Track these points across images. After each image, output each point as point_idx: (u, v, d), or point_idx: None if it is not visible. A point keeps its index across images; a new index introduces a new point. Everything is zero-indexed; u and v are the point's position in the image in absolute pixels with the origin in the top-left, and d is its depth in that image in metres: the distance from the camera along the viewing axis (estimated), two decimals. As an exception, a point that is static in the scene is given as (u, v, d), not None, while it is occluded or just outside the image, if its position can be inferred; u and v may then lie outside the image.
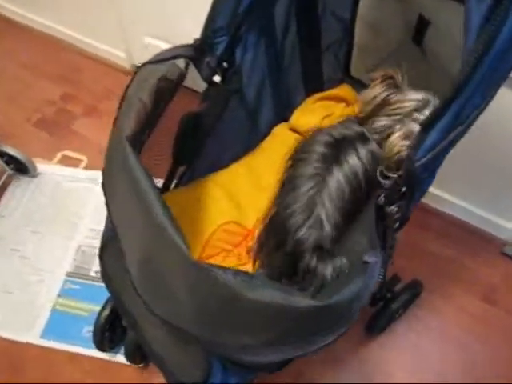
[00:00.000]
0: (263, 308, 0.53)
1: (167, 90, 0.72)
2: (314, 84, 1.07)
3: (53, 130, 1.58)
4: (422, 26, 0.81)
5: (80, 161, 1.49)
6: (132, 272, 0.65)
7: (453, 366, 1.16)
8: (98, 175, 1.42)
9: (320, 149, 0.76)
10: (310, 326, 0.56)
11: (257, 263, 0.83)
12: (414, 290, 1.15)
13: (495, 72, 0.56)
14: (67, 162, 1.49)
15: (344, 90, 1.04)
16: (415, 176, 0.61)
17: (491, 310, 1.24)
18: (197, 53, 0.78)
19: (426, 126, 0.58)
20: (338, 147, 0.76)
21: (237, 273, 0.54)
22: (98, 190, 1.38)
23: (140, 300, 0.64)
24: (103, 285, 1.26)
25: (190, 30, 1.38)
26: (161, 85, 0.70)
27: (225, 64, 0.83)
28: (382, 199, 0.66)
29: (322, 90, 1.07)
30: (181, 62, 0.77)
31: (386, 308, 1.10)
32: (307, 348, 0.57)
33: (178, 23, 1.46)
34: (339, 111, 1.03)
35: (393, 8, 0.86)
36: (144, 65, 0.73)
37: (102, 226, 1.30)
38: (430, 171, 0.64)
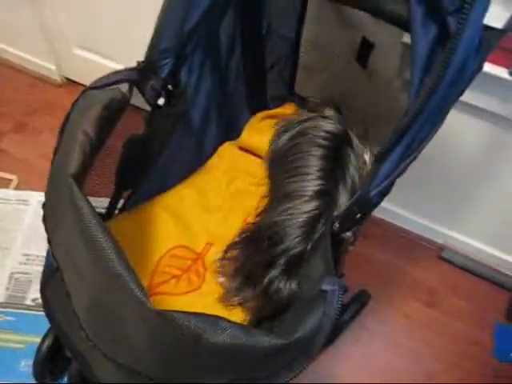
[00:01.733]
0: (225, 350, 0.52)
1: (111, 117, 0.69)
2: (258, 103, 1.07)
3: (-22, 149, 1.48)
4: (365, 49, 0.83)
5: (9, 180, 1.40)
6: (80, 315, 0.61)
7: (403, 373, 1.19)
8: (30, 196, 1.36)
9: (318, 162, 0.77)
10: (272, 363, 0.55)
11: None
12: (362, 300, 1.17)
13: (445, 102, 0.58)
14: (-5, 182, 1.40)
15: (288, 108, 1.05)
16: (370, 203, 0.62)
17: (432, 313, 1.30)
18: (141, 76, 0.75)
19: (380, 157, 0.59)
20: (336, 158, 0.79)
21: (197, 315, 0.52)
22: (31, 211, 1.32)
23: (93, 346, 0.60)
24: (41, 313, 1.18)
25: (121, 42, 1.36)
26: (105, 113, 0.66)
27: (170, 86, 0.81)
28: (336, 226, 0.67)
29: (266, 108, 1.07)
30: (124, 86, 0.73)
31: (336, 320, 1.11)
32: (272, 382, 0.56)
33: (108, 36, 1.42)
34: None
35: (337, 30, 0.87)
36: (85, 90, 0.69)
37: (35, 251, 1.25)
38: (382, 197, 0.66)
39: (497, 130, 1.04)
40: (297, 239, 0.75)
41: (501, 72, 0.88)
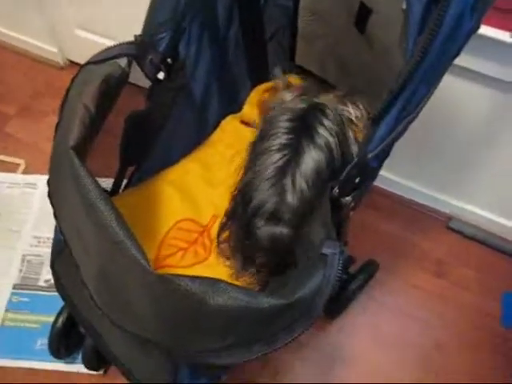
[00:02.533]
0: (227, 312, 0.53)
1: (111, 92, 0.69)
2: (260, 75, 1.07)
3: (-16, 134, 1.49)
4: (363, 14, 0.82)
5: (17, 165, 1.41)
6: (89, 285, 0.63)
7: (412, 343, 1.20)
8: (37, 179, 1.37)
9: (285, 123, 0.77)
10: (273, 324, 0.56)
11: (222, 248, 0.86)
12: (370, 270, 1.18)
13: (439, 62, 0.58)
14: (3, 167, 1.41)
15: (290, 80, 1.04)
16: (368, 167, 0.63)
17: (442, 283, 1.30)
18: (139, 50, 0.75)
19: (375, 119, 0.59)
20: (303, 120, 0.78)
21: (199, 279, 0.53)
22: (39, 194, 1.34)
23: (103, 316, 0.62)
24: (54, 294, 1.21)
25: (122, 22, 1.35)
26: (104, 87, 0.67)
27: (169, 60, 0.80)
28: (336, 191, 0.67)
29: (267, 80, 1.07)
30: (123, 61, 0.74)
31: (343, 290, 1.12)
32: (273, 346, 0.57)
33: (109, 15, 1.41)
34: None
35: (334, -3, 0.86)
36: (85, 65, 0.70)
37: (45, 233, 1.27)
38: (380, 160, 0.66)
39: (499, 95, 1.02)
40: (267, 192, 0.75)
41: (502, 35, 0.87)
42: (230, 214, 0.86)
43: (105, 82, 0.68)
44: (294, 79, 1.01)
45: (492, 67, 0.94)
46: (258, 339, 0.56)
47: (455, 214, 1.39)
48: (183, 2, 0.76)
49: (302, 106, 0.82)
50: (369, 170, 0.64)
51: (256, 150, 0.81)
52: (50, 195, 0.68)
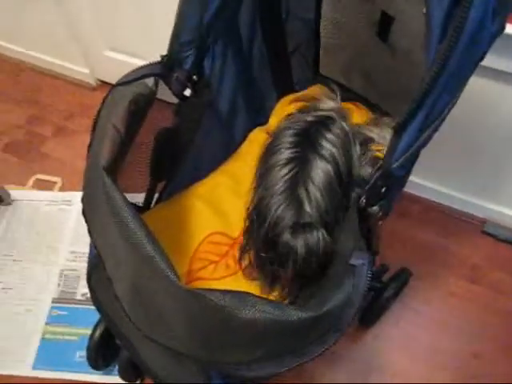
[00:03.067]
0: (255, 325, 0.54)
1: (139, 111, 0.72)
2: (285, 87, 1.08)
3: (23, 154, 1.55)
4: (385, 22, 0.82)
5: (54, 183, 1.47)
6: (122, 300, 0.64)
7: (450, 352, 1.17)
8: (73, 196, 1.42)
9: (289, 138, 0.78)
10: (303, 337, 0.57)
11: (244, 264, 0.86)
12: (403, 278, 1.17)
13: (462, 68, 0.57)
14: (41, 185, 1.46)
15: (316, 89, 1.05)
16: (393, 176, 0.62)
17: (477, 289, 1.27)
18: (165, 69, 0.77)
19: (399, 128, 0.59)
20: (307, 134, 0.78)
21: (227, 293, 0.54)
22: (75, 211, 1.39)
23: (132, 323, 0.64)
24: (91, 307, 1.25)
25: (150, 41, 1.39)
26: (132, 107, 0.69)
27: (194, 77, 0.83)
28: (363, 201, 0.67)
29: (293, 91, 1.08)
30: (150, 80, 0.76)
31: (377, 299, 1.11)
32: (303, 358, 0.58)
33: (137, 35, 1.46)
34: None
35: (356, 6, 0.87)
36: (114, 86, 0.72)
37: (82, 248, 1.31)
38: (406, 169, 0.65)
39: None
40: (281, 207, 0.75)
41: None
42: (248, 234, 0.86)
43: (133, 103, 0.70)
44: (320, 88, 1.02)
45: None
46: (289, 352, 0.57)
47: (490, 218, 1.35)
48: (206, 20, 0.78)
49: (308, 119, 0.82)
50: (394, 179, 0.63)
51: (264, 166, 0.81)
52: (84, 212, 0.71)
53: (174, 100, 0.85)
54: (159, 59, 0.78)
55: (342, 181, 0.78)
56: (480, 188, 1.32)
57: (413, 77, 0.80)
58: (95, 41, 1.56)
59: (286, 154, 0.78)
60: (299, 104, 1.02)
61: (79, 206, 1.38)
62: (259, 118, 1.07)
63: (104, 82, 1.72)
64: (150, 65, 0.76)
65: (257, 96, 1.05)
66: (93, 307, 1.27)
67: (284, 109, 1.06)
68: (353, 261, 0.61)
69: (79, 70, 1.70)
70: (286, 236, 0.73)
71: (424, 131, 0.60)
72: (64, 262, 1.31)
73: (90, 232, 0.69)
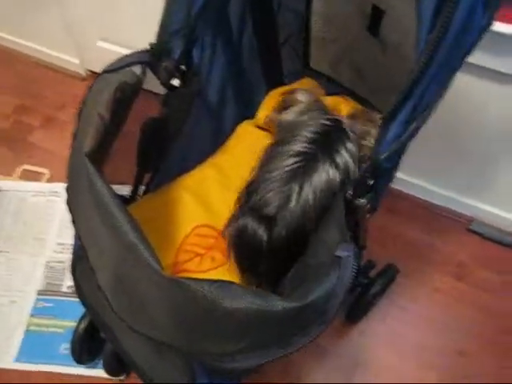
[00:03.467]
0: (240, 315, 0.53)
1: (125, 99, 0.71)
2: (275, 79, 1.07)
3: (10, 144, 1.53)
4: (376, 16, 0.82)
5: (42, 174, 1.45)
6: (105, 290, 0.63)
7: (435, 349, 1.17)
8: (61, 188, 1.39)
9: (307, 134, 0.78)
10: (287, 327, 0.56)
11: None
12: (390, 275, 1.17)
13: (450, 59, 0.57)
14: (29, 176, 1.45)
15: (305, 83, 1.04)
16: (381, 168, 0.62)
17: (463, 287, 1.28)
18: (153, 58, 0.76)
19: (387, 119, 0.59)
20: (327, 136, 0.79)
21: (212, 282, 0.53)
22: (63, 202, 1.37)
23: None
24: (77, 300, 1.24)
25: (143, 32, 1.38)
26: (118, 95, 0.68)
27: (183, 66, 0.82)
28: (349, 193, 0.67)
29: (282, 84, 1.07)
30: (137, 68, 0.75)
31: (364, 294, 1.11)
32: (288, 349, 0.57)
33: (130, 26, 1.44)
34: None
35: (346, 0, 0.86)
36: (100, 74, 0.71)
37: (69, 240, 1.30)
38: (394, 162, 0.65)
39: None
40: (272, 193, 0.75)
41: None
42: (233, 217, 0.85)
43: (119, 90, 0.69)
44: (308, 81, 1.01)
45: (506, 63, 0.93)
46: (273, 342, 0.56)
47: (476, 216, 1.36)
48: (195, 9, 0.77)
49: (326, 122, 0.82)
50: (382, 171, 0.63)
51: (270, 154, 0.81)
52: (68, 202, 0.70)
53: (160, 90, 0.84)
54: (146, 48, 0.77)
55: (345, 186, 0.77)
56: (467, 186, 1.32)
57: (402, 72, 0.79)
58: (87, 31, 1.55)
59: (297, 146, 0.77)
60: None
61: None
62: (248, 110, 1.06)
63: (94, 73, 1.70)
64: (138, 53, 0.75)
65: (246, 88, 1.04)
66: (76, 299, 1.26)
67: (273, 102, 1.06)
68: (338, 252, 0.60)
69: (69, 60, 1.68)
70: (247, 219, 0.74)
71: (412, 123, 0.59)
72: (50, 254, 1.30)
73: (73, 222, 0.69)
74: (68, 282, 1.25)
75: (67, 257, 1.28)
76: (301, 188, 0.75)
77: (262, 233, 0.75)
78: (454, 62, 0.59)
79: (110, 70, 0.72)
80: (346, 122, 0.83)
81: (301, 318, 0.56)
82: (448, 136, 1.16)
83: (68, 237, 1.31)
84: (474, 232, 1.35)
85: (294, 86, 1.03)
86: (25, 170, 1.46)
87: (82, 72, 1.70)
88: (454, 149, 1.23)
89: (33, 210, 1.37)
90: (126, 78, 0.71)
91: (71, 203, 0.68)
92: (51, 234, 1.33)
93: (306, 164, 0.76)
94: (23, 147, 1.52)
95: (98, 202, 0.57)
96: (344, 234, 0.65)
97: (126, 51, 1.46)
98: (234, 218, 0.84)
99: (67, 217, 1.32)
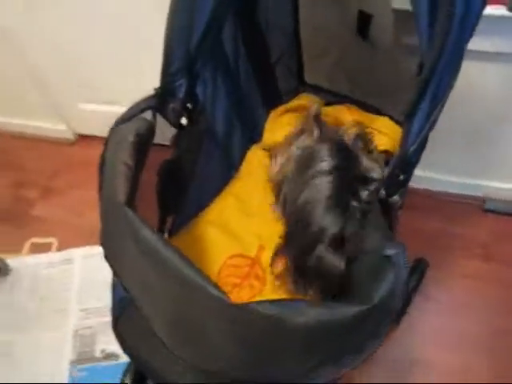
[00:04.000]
0: (311, 329, 0.52)
1: (143, 144, 0.71)
2: (273, 99, 1.09)
3: (13, 221, 1.52)
4: (364, 20, 0.84)
5: (50, 244, 1.43)
6: (163, 335, 0.62)
7: (476, 334, 1.17)
8: (72, 254, 1.39)
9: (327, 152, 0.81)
10: (358, 333, 0.55)
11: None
12: (421, 269, 1.17)
13: (459, 45, 0.59)
14: (38, 249, 1.42)
15: (304, 99, 1.06)
16: (411, 162, 0.63)
17: (491, 266, 1.28)
18: (160, 101, 0.77)
19: (408, 115, 0.60)
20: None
21: (276, 302, 0.53)
22: (77, 268, 1.35)
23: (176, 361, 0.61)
24: (111, 362, 1.21)
25: (124, 84, 1.40)
26: (137, 142, 0.69)
27: (189, 105, 0.83)
28: (382, 192, 0.67)
29: (281, 103, 1.09)
30: (147, 114, 0.76)
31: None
32: (361, 356, 0.56)
33: (110, 82, 1.46)
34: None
35: (332, 8, 0.89)
36: (113, 127, 0.72)
37: (92, 304, 1.27)
38: (418, 155, 0.66)
39: (509, 68, 1.03)
40: (328, 216, 0.76)
41: (499, 11, 0.88)
42: (287, 240, 0.86)
43: (137, 137, 0.69)
44: (308, 98, 1.03)
45: (498, 43, 0.95)
46: (346, 351, 0.55)
47: (488, 195, 1.37)
48: (193, 47, 0.78)
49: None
50: (411, 164, 0.64)
51: (302, 177, 0.82)
52: (107, 257, 0.69)
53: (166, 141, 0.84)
54: (152, 93, 0.78)
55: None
56: (473, 168, 1.34)
57: (396, 72, 0.82)
58: (67, 95, 1.56)
59: (328, 162, 0.80)
60: (290, 115, 1.04)
61: (81, 263, 1.37)
62: (254, 135, 1.08)
63: (83, 136, 1.71)
64: (145, 99, 0.76)
65: (248, 113, 1.06)
66: (112, 362, 1.23)
67: (276, 121, 1.07)
68: (388, 252, 0.60)
69: (55, 128, 1.69)
70: (322, 251, 0.74)
71: (432, 113, 0.61)
72: (76, 322, 1.26)
73: (116, 275, 0.67)
74: (100, 346, 1.22)
75: (95, 321, 1.26)
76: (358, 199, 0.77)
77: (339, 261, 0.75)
78: (461, 48, 0.61)
79: (122, 120, 0.72)
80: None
81: (370, 321, 0.55)
82: (447, 124, 1.17)
83: (91, 301, 1.29)
84: (490, 211, 1.36)
85: (294, 103, 1.05)
86: (33, 244, 1.43)
87: (71, 137, 1.70)
88: (455, 134, 1.24)
89: (49, 283, 1.35)
90: (140, 125, 0.72)
91: (111, 257, 0.67)
92: (72, 302, 1.30)
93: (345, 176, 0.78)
94: (27, 221, 1.51)
95: (147, 247, 0.56)
96: (385, 234, 0.65)
97: (109, 108, 1.51)
98: (288, 245, 0.85)
99: (86, 281, 1.32)
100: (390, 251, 0.60)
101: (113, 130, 0.72)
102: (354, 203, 0.76)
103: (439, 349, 1.15)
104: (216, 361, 0.58)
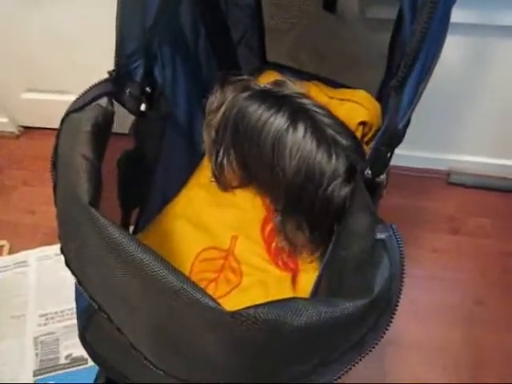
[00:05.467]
0: (313, 329, 0.48)
1: (102, 136, 0.63)
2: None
3: (-43, 224, 1.40)
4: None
5: (1, 247, 1.33)
6: (141, 347, 0.56)
7: (452, 306, 1.17)
8: (26, 256, 1.29)
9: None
10: (359, 328, 0.52)
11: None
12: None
13: (444, 16, 0.55)
14: (-13, 253, 1.32)
15: (267, 76, 1.01)
16: (399, 137, 0.59)
17: (460, 239, 1.29)
18: (116, 86, 0.70)
19: (397, 87, 0.56)
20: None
21: (273, 304, 0.48)
22: (33, 271, 1.25)
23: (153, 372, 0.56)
24: (78, 367, 1.13)
25: (73, 70, 1.30)
26: (95, 133, 0.61)
27: (147, 89, 0.76)
28: (368, 172, 0.63)
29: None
30: (103, 100, 0.68)
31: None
32: (363, 351, 0.52)
33: (51, 70, 1.36)
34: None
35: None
36: (65, 115, 0.64)
37: (52, 308, 1.19)
38: (406, 127, 0.63)
39: (473, 40, 1.02)
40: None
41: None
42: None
43: (95, 127, 0.62)
44: (273, 75, 0.98)
45: (466, 15, 0.93)
46: (347, 348, 0.51)
47: (452, 169, 1.38)
48: (148, 26, 0.71)
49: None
50: (399, 139, 0.60)
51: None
52: (67, 263, 0.61)
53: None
54: (106, 77, 0.70)
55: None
56: (436, 142, 1.33)
57: (365, 47, 0.78)
58: (8, 83, 1.43)
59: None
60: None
61: (37, 265, 1.28)
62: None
63: (27, 127, 1.59)
64: (99, 84, 0.68)
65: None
66: (80, 367, 1.15)
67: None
68: (379, 235, 0.57)
69: (-4, 121, 1.55)
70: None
71: (421, 83, 0.57)
72: (36, 328, 1.18)
73: (79, 283, 0.60)
74: (64, 352, 1.14)
75: (56, 326, 1.18)
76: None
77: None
78: (448, 14, 0.57)
79: (75, 109, 0.64)
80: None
81: (371, 314, 0.51)
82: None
83: (50, 305, 1.21)
84: (455, 184, 1.37)
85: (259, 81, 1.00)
86: (-19, 248, 1.32)
87: (14, 130, 1.58)
88: (418, 109, 1.22)
89: (2, 288, 1.25)
90: (97, 114, 0.64)
91: (73, 263, 0.59)
92: (30, 307, 1.22)
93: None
94: (-29, 224, 1.39)
95: (123, 254, 0.50)
96: (375, 216, 0.61)
97: (55, 97, 1.40)
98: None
99: (42, 285, 1.23)
100: (381, 234, 0.57)
101: (65, 120, 0.64)
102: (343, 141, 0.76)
103: (414, 325, 1.14)
104: (213, 374, 0.53)
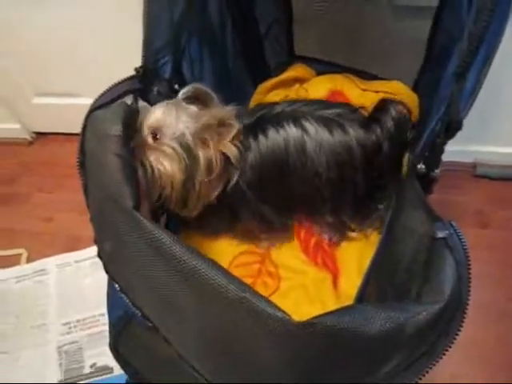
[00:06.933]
0: (385, 336, 0.44)
1: (129, 134, 0.60)
2: (261, 74, 0.99)
3: (-26, 234, 1.37)
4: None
5: (19, 255, 1.29)
6: (190, 357, 0.53)
7: (485, 303, 1.12)
8: (44, 263, 1.25)
9: None
10: (431, 332, 0.48)
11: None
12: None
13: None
14: (6, 262, 1.29)
15: (296, 70, 0.97)
16: (460, 128, 0.55)
17: (490, 233, 1.24)
18: (143, 83, 0.66)
19: (460, 73, 0.52)
20: None
21: (342, 312, 0.44)
22: (53, 279, 1.22)
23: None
24: (103, 376, 1.09)
25: (82, 74, 1.26)
26: (125, 131, 0.57)
27: (176, 86, 0.72)
28: (422, 167, 0.59)
29: (269, 77, 1.00)
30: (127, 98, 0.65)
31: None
32: (434, 358, 0.49)
33: (62, 74, 1.33)
34: (293, 93, 0.96)
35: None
36: (89, 113, 0.60)
37: (74, 316, 1.15)
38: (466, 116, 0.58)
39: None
40: None
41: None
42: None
43: (124, 125, 0.58)
44: (301, 68, 0.94)
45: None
46: (418, 356, 0.48)
47: (478, 161, 1.34)
48: (176, 20, 0.68)
49: None
50: (459, 129, 0.56)
51: None
52: (107, 269, 0.58)
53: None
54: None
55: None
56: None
57: (398, 36, 0.74)
58: (20, 89, 1.41)
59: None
60: (277, 92, 0.95)
61: (56, 272, 1.24)
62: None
63: (40, 133, 1.57)
64: (126, 80, 0.65)
65: (234, 89, 0.95)
66: (106, 376, 1.11)
67: (262, 99, 0.98)
68: (439, 233, 0.53)
69: (9, 128, 1.54)
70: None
71: (483, 70, 0.53)
72: (58, 338, 1.14)
73: (123, 291, 0.57)
74: (89, 361, 1.10)
75: (79, 334, 1.15)
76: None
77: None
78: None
79: (100, 105, 0.61)
80: None
81: (443, 318, 0.48)
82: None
83: (72, 313, 1.18)
84: (481, 176, 1.33)
85: (282, 76, 0.96)
86: (0, 257, 1.29)
87: (27, 136, 1.56)
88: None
89: (22, 297, 1.22)
90: (124, 111, 0.60)
91: (116, 271, 0.56)
92: (51, 316, 1.18)
93: None
94: (-12, 233, 1.36)
95: (171, 261, 0.46)
96: (430, 213, 0.57)
97: (66, 101, 1.36)
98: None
99: (63, 292, 1.20)
100: (441, 233, 0.53)
101: (90, 117, 0.60)
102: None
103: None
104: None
